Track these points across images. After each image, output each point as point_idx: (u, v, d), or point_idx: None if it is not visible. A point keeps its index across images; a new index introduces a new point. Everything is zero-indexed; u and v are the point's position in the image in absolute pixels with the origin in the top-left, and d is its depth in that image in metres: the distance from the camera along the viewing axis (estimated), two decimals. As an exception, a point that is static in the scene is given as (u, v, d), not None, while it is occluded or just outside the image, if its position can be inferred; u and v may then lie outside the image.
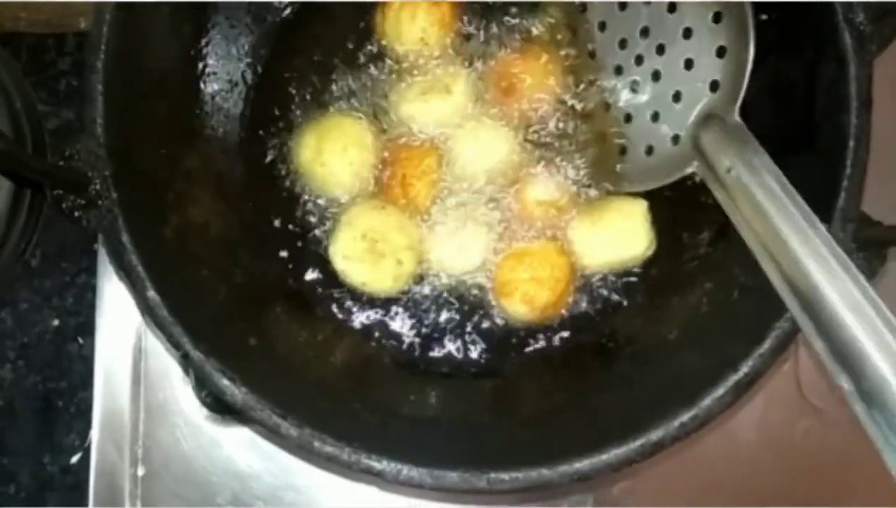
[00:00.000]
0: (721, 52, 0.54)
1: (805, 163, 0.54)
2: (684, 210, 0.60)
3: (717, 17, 0.54)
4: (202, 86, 0.62)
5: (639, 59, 0.58)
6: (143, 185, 0.53)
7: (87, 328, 0.69)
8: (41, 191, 0.68)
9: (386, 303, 0.63)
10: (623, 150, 0.60)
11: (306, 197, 0.64)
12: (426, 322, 0.63)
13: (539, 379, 0.61)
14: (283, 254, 0.64)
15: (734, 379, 0.50)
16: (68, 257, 0.71)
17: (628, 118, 0.59)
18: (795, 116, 0.55)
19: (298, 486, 0.66)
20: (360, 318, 0.63)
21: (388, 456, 0.49)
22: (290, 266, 0.63)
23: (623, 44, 0.59)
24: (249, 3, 0.63)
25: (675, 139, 0.56)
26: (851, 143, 0.50)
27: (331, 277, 0.63)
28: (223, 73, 0.63)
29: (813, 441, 0.67)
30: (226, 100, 0.63)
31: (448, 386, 0.61)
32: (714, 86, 0.54)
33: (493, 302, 0.62)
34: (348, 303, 0.63)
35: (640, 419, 0.50)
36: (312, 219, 0.64)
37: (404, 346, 0.63)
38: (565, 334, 0.62)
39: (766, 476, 0.67)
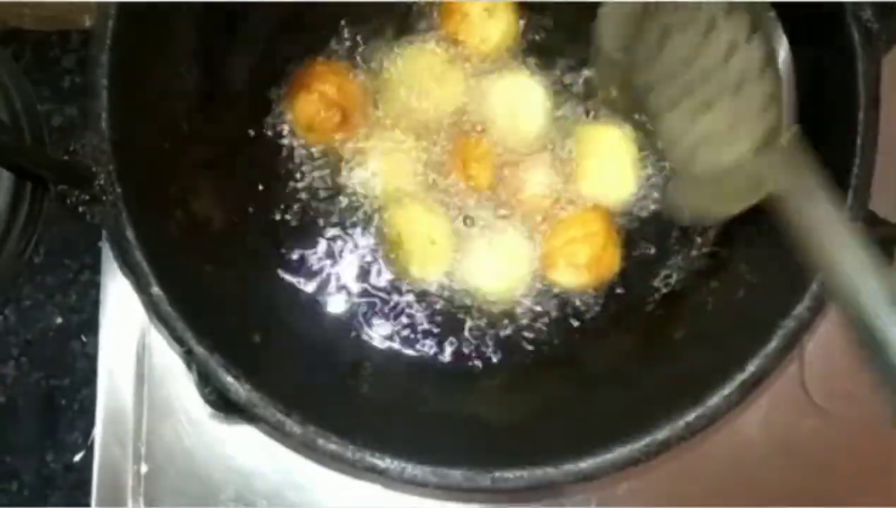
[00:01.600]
0: (762, 69, 0.51)
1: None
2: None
3: (749, 33, 0.51)
4: (208, 80, 0.61)
5: (688, 89, 0.56)
6: (147, 180, 0.53)
7: (90, 325, 0.69)
8: (43, 187, 0.68)
9: (392, 301, 0.63)
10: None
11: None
12: (432, 319, 0.63)
13: (544, 377, 0.60)
14: (288, 248, 0.63)
15: (741, 378, 0.49)
16: (72, 254, 0.71)
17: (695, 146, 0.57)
18: (802, 113, 0.54)
19: (301, 484, 0.66)
20: (367, 316, 0.63)
21: (391, 454, 0.49)
22: (296, 262, 0.63)
23: (672, 75, 0.57)
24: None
25: (738, 166, 0.53)
26: (859, 141, 0.50)
27: (338, 276, 0.63)
28: (229, 68, 0.63)
29: (818, 441, 0.67)
30: (233, 95, 0.63)
31: (453, 384, 0.61)
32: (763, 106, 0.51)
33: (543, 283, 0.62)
34: (354, 300, 0.63)
35: (645, 418, 0.50)
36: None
37: (409, 344, 0.62)
38: (570, 333, 0.62)
39: (771, 476, 0.67)
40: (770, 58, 0.49)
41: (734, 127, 0.53)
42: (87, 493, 0.67)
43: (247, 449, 0.66)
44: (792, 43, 0.55)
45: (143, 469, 0.67)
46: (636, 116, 0.62)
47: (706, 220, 0.60)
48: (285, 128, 0.64)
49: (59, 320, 0.71)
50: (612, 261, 0.62)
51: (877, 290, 0.40)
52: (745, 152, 0.52)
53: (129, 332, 0.68)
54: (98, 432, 0.67)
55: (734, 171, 0.53)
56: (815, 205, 0.45)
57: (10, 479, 0.70)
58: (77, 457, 0.69)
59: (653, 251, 0.63)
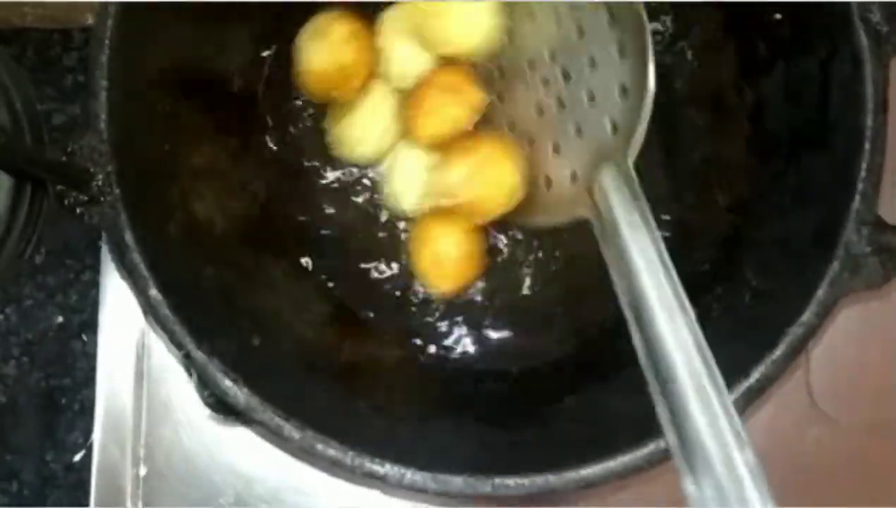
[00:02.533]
0: (624, 91, 0.49)
1: (819, 164, 0.53)
2: (696, 213, 0.60)
3: (622, 51, 0.50)
4: (210, 81, 0.61)
5: (545, 83, 0.54)
6: (146, 182, 0.53)
7: (91, 325, 0.69)
8: (43, 188, 0.68)
9: (393, 305, 0.63)
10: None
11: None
12: (433, 325, 0.63)
13: (546, 383, 0.60)
14: (290, 251, 0.63)
15: (746, 384, 0.49)
16: (73, 254, 0.71)
17: (532, 142, 0.56)
18: (809, 117, 0.54)
19: (302, 488, 0.66)
20: (366, 320, 0.63)
21: (391, 460, 0.49)
22: (298, 265, 0.63)
23: (532, 64, 0.56)
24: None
25: (574, 177, 0.52)
26: (867, 145, 0.50)
27: (338, 278, 0.63)
28: (233, 68, 0.63)
29: (824, 448, 0.67)
30: (235, 97, 0.63)
31: (454, 390, 0.60)
32: (615, 127, 0.50)
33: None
34: (355, 304, 0.63)
35: (649, 425, 0.49)
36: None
37: (411, 349, 0.62)
38: (573, 338, 0.62)
39: (776, 483, 0.65)
40: (637, 90, 0.48)
41: (570, 137, 0.52)
42: (87, 493, 0.67)
43: (247, 452, 0.66)
44: (799, 46, 0.55)
45: (142, 471, 0.66)
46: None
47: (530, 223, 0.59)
48: (290, 131, 0.64)
49: (60, 320, 0.71)
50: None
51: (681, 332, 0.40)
52: (568, 168, 0.52)
53: (128, 332, 0.67)
54: (97, 434, 0.67)
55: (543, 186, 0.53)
56: (636, 242, 0.43)
57: (9, 479, 0.70)
58: (77, 457, 0.69)
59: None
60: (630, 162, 0.48)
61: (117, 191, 0.49)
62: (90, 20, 0.70)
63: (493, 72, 0.59)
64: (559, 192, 0.53)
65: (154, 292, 0.49)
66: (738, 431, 0.37)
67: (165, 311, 0.49)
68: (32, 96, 0.70)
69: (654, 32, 0.62)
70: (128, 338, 0.67)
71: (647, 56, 0.48)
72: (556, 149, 0.53)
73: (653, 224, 0.44)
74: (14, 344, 0.71)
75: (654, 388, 0.40)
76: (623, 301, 0.43)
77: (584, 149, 0.51)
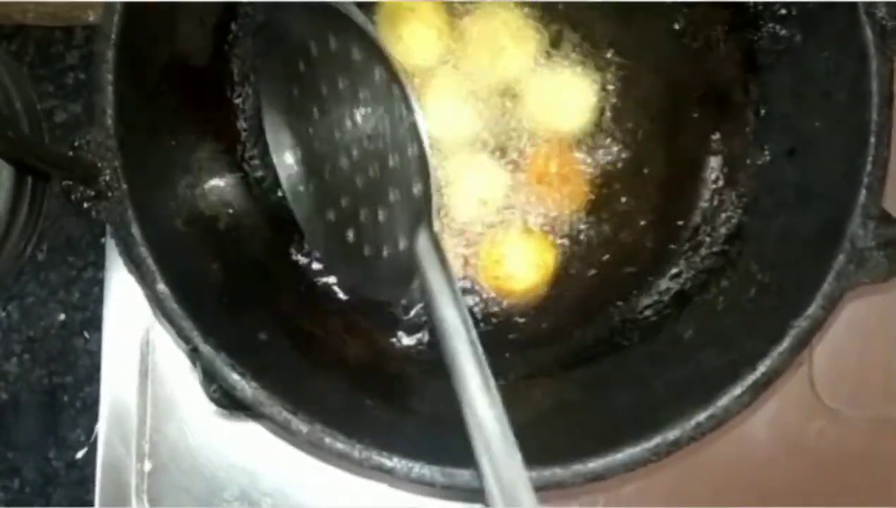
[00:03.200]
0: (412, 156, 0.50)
1: (825, 159, 0.54)
2: (702, 208, 0.60)
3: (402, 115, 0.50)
4: (217, 77, 0.62)
5: (357, 147, 0.54)
6: (153, 177, 0.53)
7: (93, 322, 0.69)
8: (44, 184, 0.68)
9: (399, 300, 0.62)
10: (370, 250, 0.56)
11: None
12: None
13: (552, 377, 0.60)
14: (297, 247, 0.63)
15: (752, 378, 0.49)
16: (75, 251, 0.71)
17: (364, 213, 0.55)
18: (815, 112, 0.54)
19: (307, 483, 0.66)
20: (373, 315, 0.62)
21: (399, 454, 0.49)
22: (303, 261, 0.63)
23: (340, 129, 0.55)
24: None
25: (406, 245, 0.52)
26: (872, 140, 0.50)
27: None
28: (239, 64, 0.63)
29: (827, 441, 0.67)
30: (241, 93, 0.63)
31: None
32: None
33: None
34: (361, 301, 0.62)
35: (655, 418, 0.49)
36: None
37: (417, 342, 0.62)
38: (579, 331, 0.62)
39: (780, 476, 0.66)
40: (414, 149, 0.49)
41: (393, 203, 0.52)
42: (90, 491, 0.67)
43: (251, 447, 0.66)
44: (805, 41, 0.55)
45: (147, 466, 0.66)
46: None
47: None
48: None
49: (62, 317, 0.71)
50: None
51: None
52: (399, 232, 0.52)
53: (132, 329, 0.67)
54: (101, 430, 0.67)
55: (386, 256, 0.53)
56: (445, 308, 0.45)
57: (12, 476, 0.70)
58: (79, 454, 0.69)
59: (661, 249, 0.62)
60: (430, 228, 0.49)
61: (124, 186, 0.49)
62: (92, 17, 0.70)
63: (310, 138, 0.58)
64: (401, 260, 0.53)
65: (162, 286, 0.49)
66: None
67: (173, 305, 0.49)
68: (32, 95, 0.70)
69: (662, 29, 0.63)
70: (132, 335, 0.67)
71: (415, 117, 0.48)
72: (387, 217, 0.53)
73: (456, 290, 0.46)
74: (16, 342, 0.71)
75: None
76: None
77: (406, 213, 0.51)
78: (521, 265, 0.61)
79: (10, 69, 0.68)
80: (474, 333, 0.44)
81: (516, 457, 0.42)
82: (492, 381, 0.43)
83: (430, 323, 0.47)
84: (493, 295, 0.62)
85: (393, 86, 0.49)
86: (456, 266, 0.62)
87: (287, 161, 0.60)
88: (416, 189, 0.50)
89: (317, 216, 0.59)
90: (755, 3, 0.58)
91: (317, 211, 0.59)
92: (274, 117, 0.59)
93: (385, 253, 0.54)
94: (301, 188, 0.59)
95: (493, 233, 0.62)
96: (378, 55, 0.49)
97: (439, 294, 0.46)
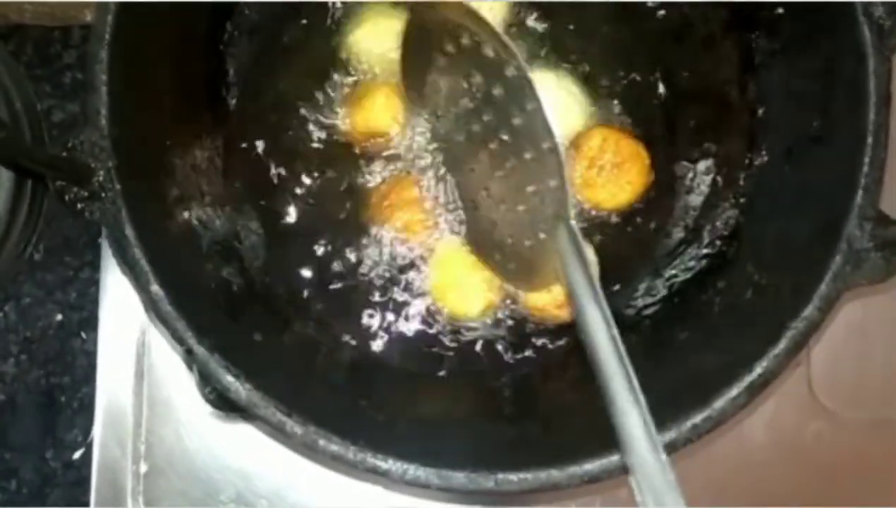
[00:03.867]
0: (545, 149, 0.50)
1: (822, 159, 0.54)
2: (699, 208, 0.60)
3: (531, 111, 0.50)
4: (211, 78, 0.61)
5: (497, 143, 0.55)
6: (147, 178, 0.53)
7: (90, 323, 0.69)
8: (44, 185, 0.68)
9: (396, 301, 0.62)
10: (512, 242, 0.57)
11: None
12: (436, 321, 0.62)
13: (549, 378, 0.60)
14: (290, 248, 0.63)
15: (748, 379, 0.49)
16: (72, 251, 0.71)
17: (506, 206, 0.56)
18: (812, 112, 0.54)
19: (302, 485, 0.66)
20: (368, 316, 0.62)
21: (394, 456, 0.49)
22: (298, 263, 0.63)
23: (482, 125, 0.56)
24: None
25: (545, 238, 0.53)
26: (870, 140, 0.50)
27: (340, 275, 0.62)
28: (234, 66, 0.63)
29: (824, 442, 0.67)
30: (236, 94, 0.63)
31: (457, 386, 0.60)
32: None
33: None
34: (356, 301, 0.62)
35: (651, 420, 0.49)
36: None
37: (413, 344, 0.62)
38: (576, 334, 0.61)
39: (777, 478, 0.66)
40: (547, 141, 0.49)
41: (532, 197, 0.53)
42: (87, 491, 0.67)
43: (247, 449, 0.66)
44: (802, 40, 0.55)
45: (143, 468, 0.66)
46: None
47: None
48: (293, 122, 0.64)
49: (60, 317, 0.71)
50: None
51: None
52: (539, 227, 0.52)
53: (128, 330, 0.67)
54: (97, 431, 0.67)
55: (528, 247, 0.54)
56: (586, 303, 0.46)
57: (9, 477, 0.70)
58: (76, 455, 0.69)
59: (658, 250, 0.62)
60: (569, 217, 0.49)
61: (118, 186, 0.49)
62: (89, 17, 0.70)
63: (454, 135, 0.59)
64: (542, 254, 0.53)
65: (155, 288, 0.49)
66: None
67: (167, 307, 0.49)
68: (33, 96, 0.70)
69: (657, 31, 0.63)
70: (128, 336, 0.67)
71: (542, 111, 0.49)
72: (527, 210, 0.54)
73: (595, 285, 0.46)
74: (13, 342, 0.70)
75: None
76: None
77: (545, 206, 0.52)
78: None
79: (9, 69, 0.68)
80: (615, 330, 0.44)
81: (661, 458, 0.42)
82: (635, 381, 0.43)
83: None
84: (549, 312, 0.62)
85: (524, 82, 0.49)
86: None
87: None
88: (552, 182, 0.50)
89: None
90: (752, 3, 0.58)
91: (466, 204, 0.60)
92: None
93: (527, 243, 0.55)
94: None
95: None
96: (509, 54, 0.50)
97: (579, 288, 0.46)
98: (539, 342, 0.62)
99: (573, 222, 0.50)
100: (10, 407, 0.70)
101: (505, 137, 0.53)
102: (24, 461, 0.69)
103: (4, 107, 0.65)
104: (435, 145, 0.62)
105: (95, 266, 0.69)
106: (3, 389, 0.70)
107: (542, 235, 0.52)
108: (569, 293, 0.47)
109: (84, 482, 0.67)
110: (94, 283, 0.69)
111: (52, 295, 0.71)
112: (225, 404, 0.51)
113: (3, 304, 0.70)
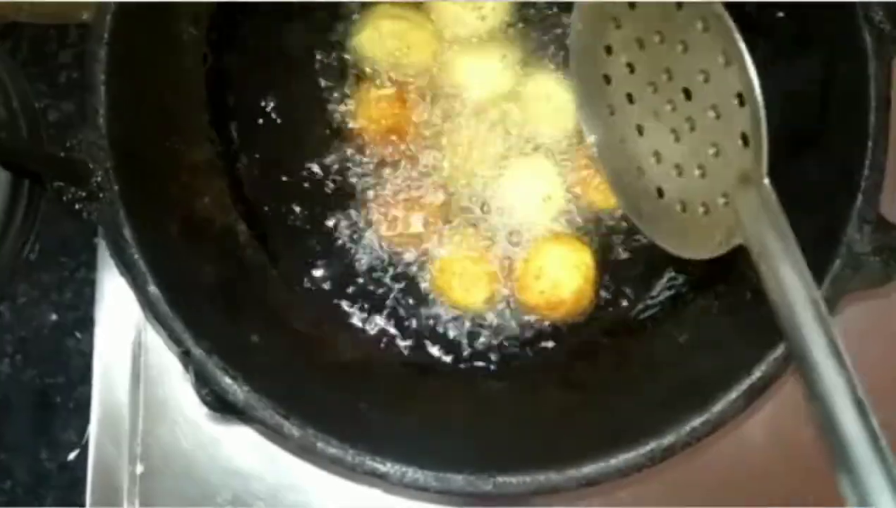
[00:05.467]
0: (740, 100, 0.47)
1: (822, 163, 0.54)
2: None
3: (726, 59, 0.48)
4: (210, 78, 0.61)
5: (672, 106, 0.52)
6: (145, 178, 0.53)
7: (85, 323, 0.69)
8: (41, 186, 0.67)
9: (394, 303, 0.62)
10: (683, 208, 0.53)
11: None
12: (435, 323, 0.62)
13: (548, 381, 0.60)
14: (289, 249, 0.63)
15: (747, 383, 0.49)
16: (67, 252, 0.71)
17: (679, 170, 0.53)
18: (812, 116, 0.54)
19: (300, 486, 0.66)
20: (367, 317, 0.62)
21: (392, 458, 0.49)
22: (296, 263, 0.63)
23: (655, 88, 0.53)
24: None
25: (724, 202, 0.49)
26: (869, 144, 0.50)
27: (337, 276, 0.62)
28: (234, 65, 0.63)
29: (822, 447, 0.67)
30: (236, 93, 0.63)
31: (455, 388, 0.60)
32: (745, 139, 0.47)
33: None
34: (354, 302, 0.62)
35: (650, 423, 0.49)
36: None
37: (411, 346, 0.62)
38: (575, 337, 0.62)
39: (776, 481, 0.66)
40: (747, 93, 0.46)
41: (711, 158, 0.50)
42: (82, 492, 0.66)
43: (244, 451, 0.66)
44: (802, 44, 0.55)
45: (139, 469, 0.66)
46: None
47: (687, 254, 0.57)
48: (295, 121, 0.63)
49: (55, 317, 0.70)
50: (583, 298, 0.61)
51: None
52: (718, 190, 0.50)
53: (125, 331, 0.67)
54: (93, 432, 0.67)
55: (702, 213, 0.51)
56: (782, 267, 0.43)
57: (3, 477, 0.69)
58: (71, 456, 0.69)
59: (657, 253, 0.62)
60: (764, 176, 0.46)
61: (116, 187, 0.49)
62: (86, 16, 0.70)
63: (625, 103, 0.56)
64: (716, 218, 0.50)
65: (153, 288, 0.49)
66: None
67: (164, 308, 0.49)
68: (30, 95, 0.70)
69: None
70: (124, 336, 0.67)
71: (745, 59, 0.46)
72: (703, 173, 0.51)
73: (797, 251, 0.43)
74: (8, 342, 0.70)
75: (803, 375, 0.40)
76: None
77: (727, 168, 0.49)
78: (561, 270, 0.61)
79: (7, 67, 0.68)
80: (818, 293, 0.41)
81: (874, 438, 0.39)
82: (843, 347, 0.39)
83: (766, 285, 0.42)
84: (542, 313, 0.62)
85: (713, 35, 0.47)
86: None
87: (602, 126, 0.58)
88: (738, 144, 0.47)
89: (627, 176, 0.57)
90: (752, 7, 0.58)
91: (628, 171, 0.57)
92: (588, 87, 0.58)
93: (700, 210, 0.51)
94: (615, 149, 0.57)
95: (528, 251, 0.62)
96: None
97: (775, 255, 0.43)
98: (539, 344, 0.62)
99: (767, 182, 0.46)
100: (5, 407, 0.69)
101: (683, 101, 0.51)
102: (19, 461, 0.69)
103: (2, 106, 0.65)
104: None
105: (91, 266, 0.69)
106: (-3, 389, 0.70)
107: (720, 200, 0.49)
108: (757, 259, 0.44)
109: (78, 482, 0.67)
110: (90, 284, 0.69)
111: (47, 296, 0.70)
112: (222, 405, 0.51)
113: (-2, 304, 0.70)
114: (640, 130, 0.55)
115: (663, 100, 0.53)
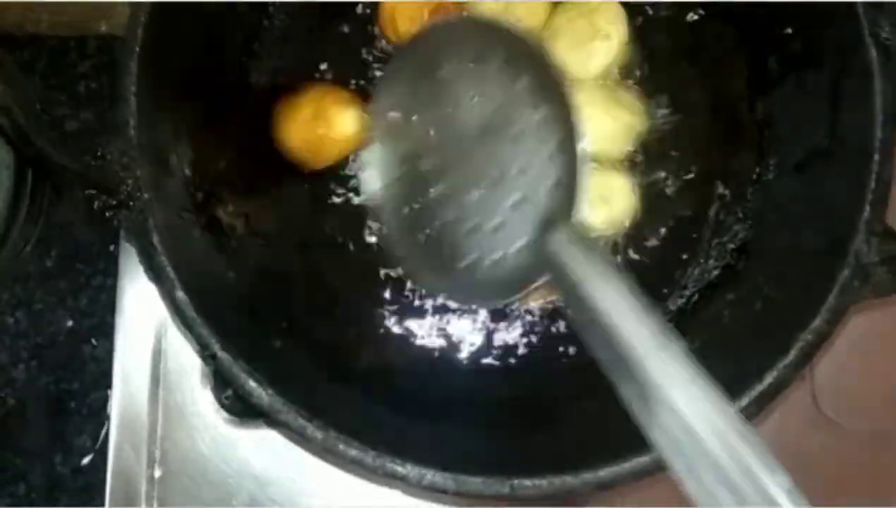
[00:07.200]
0: (551, 158, 0.49)
1: (829, 175, 0.55)
2: (709, 225, 0.61)
3: (544, 122, 0.49)
4: (239, 89, 0.62)
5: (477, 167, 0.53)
6: (174, 186, 0.53)
7: (101, 329, 0.69)
8: (46, 183, 0.67)
9: (413, 307, 0.63)
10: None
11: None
12: (453, 325, 0.63)
13: (564, 385, 0.60)
14: (311, 257, 0.63)
15: (758, 390, 0.50)
16: (84, 258, 0.71)
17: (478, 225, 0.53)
18: (819, 129, 0.55)
19: (316, 490, 0.66)
20: (387, 321, 0.63)
21: (412, 461, 0.49)
22: (318, 270, 0.63)
23: (462, 149, 0.54)
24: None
25: (527, 248, 0.50)
26: (876, 157, 0.51)
27: (357, 278, 0.63)
28: (261, 74, 0.64)
29: (828, 454, 0.67)
30: (263, 101, 0.63)
31: (474, 392, 0.61)
32: (555, 188, 0.49)
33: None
34: (374, 305, 0.63)
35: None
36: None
37: (431, 350, 0.62)
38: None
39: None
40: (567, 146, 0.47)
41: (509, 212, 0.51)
42: (95, 497, 0.67)
43: (261, 455, 0.67)
44: (809, 59, 0.56)
45: (157, 473, 0.67)
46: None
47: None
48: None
49: (70, 324, 0.71)
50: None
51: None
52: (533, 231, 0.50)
53: (145, 336, 0.68)
54: (112, 436, 0.67)
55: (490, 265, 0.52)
56: (603, 295, 0.42)
57: (17, 482, 0.69)
58: (85, 461, 0.69)
59: (668, 262, 0.63)
60: (574, 220, 0.47)
61: (146, 196, 0.50)
62: (104, 28, 0.71)
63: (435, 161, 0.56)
64: (515, 264, 0.51)
65: (181, 294, 0.50)
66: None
67: (192, 313, 0.50)
68: (36, 106, 0.70)
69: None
70: (144, 342, 0.68)
71: (574, 125, 0.47)
72: (502, 227, 0.52)
73: (617, 271, 0.43)
74: (24, 348, 0.70)
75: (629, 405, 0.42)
76: (600, 353, 0.44)
77: (529, 219, 0.50)
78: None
79: (16, 82, 0.68)
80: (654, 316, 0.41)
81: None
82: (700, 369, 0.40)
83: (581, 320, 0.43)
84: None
85: (520, 75, 0.48)
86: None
87: (380, 180, 0.58)
88: (546, 186, 0.48)
89: (409, 234, 0.57)
90: (762, 23, 0.59)
91: (410, 228, 0.57)
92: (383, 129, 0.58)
93: (487, 261, 0.52)
94: (397, 209, 0.57)
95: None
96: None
97: (593, 283, 0.43)
98: (558, 348, 0.62)
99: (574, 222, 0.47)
100: (20, 413, 0.70)
101: (486, 143, 0.52)
102: (33, 466, 0.69)
103: (5, 116, 0.65)
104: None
105: (107, 273, 0.70)
106: (12, 394, 0.70)
107: (516, 245, 0.50)
108: (573, 295, 0.44)
109: (92, 487, 0.68)
110: (106, 290, 0.70)
111: (63, 302, 0.71)
112: (244, 409, 0.51)
113: (14, 310, 0.71)
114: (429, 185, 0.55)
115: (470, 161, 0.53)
